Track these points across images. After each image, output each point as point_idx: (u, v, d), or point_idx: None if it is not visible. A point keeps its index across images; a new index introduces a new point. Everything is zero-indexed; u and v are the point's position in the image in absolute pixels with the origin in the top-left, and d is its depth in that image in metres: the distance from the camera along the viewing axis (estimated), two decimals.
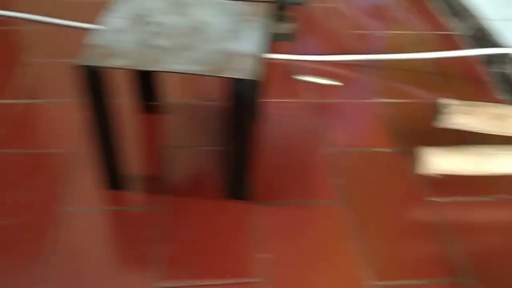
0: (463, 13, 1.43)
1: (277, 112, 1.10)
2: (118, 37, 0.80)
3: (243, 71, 0.75)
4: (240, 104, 0.76)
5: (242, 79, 0.74)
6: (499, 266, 0.80)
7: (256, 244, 0.81)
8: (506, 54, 1.22)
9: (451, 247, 0.82)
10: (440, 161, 0.86)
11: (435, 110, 0.86)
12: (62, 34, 1.30)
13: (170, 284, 0.75)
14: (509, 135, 0.87)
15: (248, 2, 0.93)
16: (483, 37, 1.32)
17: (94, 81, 0.75)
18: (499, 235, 0.85)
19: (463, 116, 0.83)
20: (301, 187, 0.92)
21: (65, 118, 1.03)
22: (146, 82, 1.05)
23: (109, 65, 0.74)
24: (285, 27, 0.91)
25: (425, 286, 0.76)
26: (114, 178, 0.88)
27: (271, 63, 1.20)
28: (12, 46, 1.27)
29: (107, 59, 0.75)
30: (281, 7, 0.91)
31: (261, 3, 0.92)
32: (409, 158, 0.97)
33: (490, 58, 1.26)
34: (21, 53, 1.22)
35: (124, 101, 1.05)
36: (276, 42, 0.92)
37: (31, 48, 1.24)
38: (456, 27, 1.44)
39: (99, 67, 0.74)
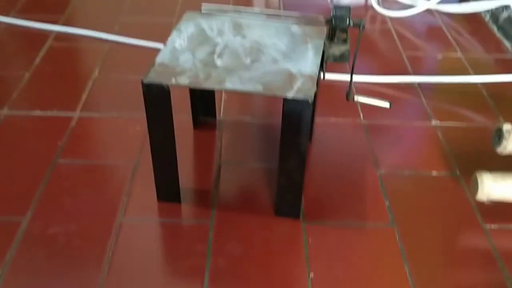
0: None
1: (328, 131, 1.11)
2: (182, 56, 0.84)
3: (298, 91, 0.77)
4: (293, 123, 0.78)
5: (297, 99, 0.76)
6: None
7: (303, 262, 0.82)
8: None
9: (504, 276, 0.80)
10: (498, 188, 0.85)
11: (495, 135, 0.85)
12: (130, 52, 1.37)
13: None
14: None
15: (304, 24, 0.95)
16: None
17: (158, 97, 0.79)
18: None
19: None
20: (350, 208, 0.92)
21: (127, 132, 1.09)
22: (203, 99, 1.09)
23: (174, 83, 0.78)
24: (340, 49, 0.92)
25: None
26: (169, 191, 0.92)
27: (326, 83, 1.21)
28: (82, 62, 1.34)
29: (172, 77, 0.79)
30: (337, 29, 0.93)
31: (318, 25, 0.95)
32: (465, 183, 0.96)
33: None
34: (91, 69, 1.29)
35: (180, 116, 1.10)
36: (331, 62, 0.93)
37: (100, 65, 1.31)
38: None
39: (164, 84, 0.78)
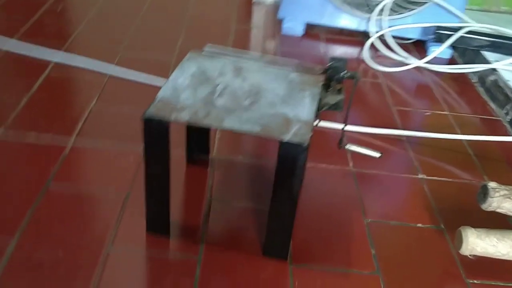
0: (508, 101, 1.46)
1: (318, 176, 1.13)
2: (183, 94, 0.87)
3: (294, 135, 0.80)
4: (288, 166, 0.81)
5: (292, 143, 0.78)
6: None
7: None
8: None
9: None
10: (481, 243, 0.87)
11: (480, 192, 0.88)
12: (128, 86, 1.40)
13: None
14: None
15: (302, 72, 0.99)
16: None
17: (158, 132, 0.81)
18: None
19: (503, 199, 0.84)
20: (336, 254, 0.93)
21: (120, 163, 1.10)
22: (199, 136, 1.11)
23: (174, 119, 0.80)
24: (335, 98, 0.96)
25: None
26: (159, 224, 0.92)
27: (318, 130, 1.25)
28: (80, 93, 1.37)
29: (172, 113, 0.81)
30: (333, 79, 0.97)
31: (315, 74, 0.98)
32: (449, 236, 0.98)
33: None
34: (88, 99, 1.31)
35: (174, 151, 1.11)
36: (325, 111, 0.96)
37: (98, 96, 1.33)
38: (500, 113, 1.47)
39: (165, 120, 0.80)
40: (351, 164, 1.18)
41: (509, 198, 0.83)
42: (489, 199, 0.84)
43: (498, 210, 0.86)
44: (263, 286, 0.85)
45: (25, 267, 0.84)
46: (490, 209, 0.85)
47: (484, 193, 0.86)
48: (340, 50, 1.80)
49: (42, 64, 1.45)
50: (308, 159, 1.13)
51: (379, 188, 1.12)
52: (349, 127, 1.30)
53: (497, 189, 0.84)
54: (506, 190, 0.85)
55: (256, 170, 1.14)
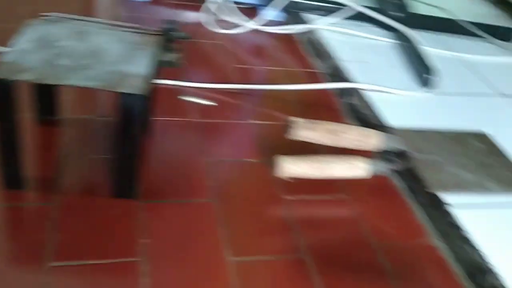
0: (324, 55, 1.74)
1: (166, 128, 1.28)
2: (26, 57, 0.95)
3: (132, 87, 0.93)
4: (128, 114, 0.94)
5: (130, 93, 0.92)
6: (331, 249, 1.04)
7: (138, 231, 0.98)
8: (353, 88, 1.53)
9: (296, 233, 1.05)
10: (291, 167, 1.10)
11: (286, 126, 1.10)
12: None
13: (61, 263, 0.89)
14: (341, 146, 1.14)
15: (140, 34, 1.11)
16: (337, 74, 1.63)
17: (4, 92, 0.89)
18: (333, 226, 1.10)
19: (307, 130, 1.08)
20: (180, 189, 1.10)
21: None
22: (45, 98, 1.18)
23: (18, 78, 0.88)
24: (172, 56, 1.10)
25: (272, 261, 0.98)
26: (15, 180, 1.01)
27: (160, 86, 1.39)
28: None
29: (16, 74, 0.89)
30: (169, 40, 1.11)
31: (151, 36, 1.12)
32: (269, 165, 1.20)
33: (341, 91, 1.56)
34: None
35: (25, 115, 1.18)
36: (164, 68, 1.11)
37: None
38: (318, 66, 1.75)
39: (8, 80, 0.88)
40: (192, 115, 1.35)
41: (306, 128, 1.07)
42: (291, 130, 1.07)
43: (301, 139, 1.09)
44: (115, 221, 0.99)
45: None
46: (295, 138, 1.08)
47: (288, 126, 1.08)
48: (185, 15, 1.93)
49: None
50: (158, 114, 1.27)
51: (218, 133, 1.31)
52: (191, 83, 1.46)
53: (296, 122, 1.07)
54: (308, 123, 1.09)
55: (105, 126, 1.25)
